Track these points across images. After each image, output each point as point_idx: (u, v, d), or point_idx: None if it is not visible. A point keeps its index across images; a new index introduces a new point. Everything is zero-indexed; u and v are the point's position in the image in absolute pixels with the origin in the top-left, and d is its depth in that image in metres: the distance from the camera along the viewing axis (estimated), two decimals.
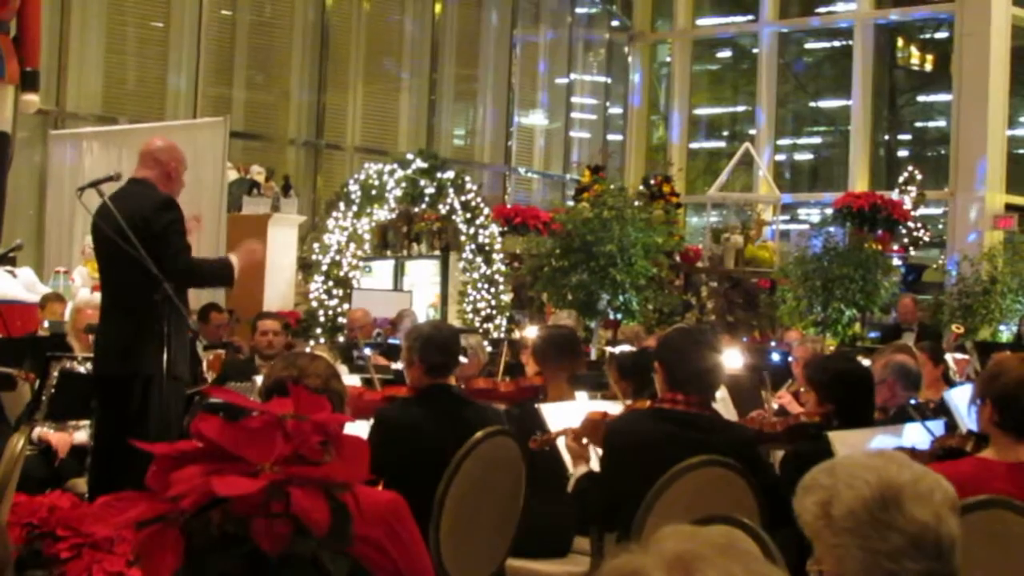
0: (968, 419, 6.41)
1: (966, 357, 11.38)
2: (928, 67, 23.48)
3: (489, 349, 10.24)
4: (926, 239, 19.62)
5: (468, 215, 15.95)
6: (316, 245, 14.93)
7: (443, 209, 15.90)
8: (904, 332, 14.46)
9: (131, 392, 6.54)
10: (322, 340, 13.81)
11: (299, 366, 3.83)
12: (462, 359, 7.01)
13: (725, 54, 25.52)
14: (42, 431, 7.54)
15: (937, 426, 5.64)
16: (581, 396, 6.93)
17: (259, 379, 7.04)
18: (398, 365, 9.16)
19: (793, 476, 5.45)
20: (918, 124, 23.89)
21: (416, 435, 5.68)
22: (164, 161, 7.11)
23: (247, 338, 11.50)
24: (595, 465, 5.53)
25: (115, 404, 6.70)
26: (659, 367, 5.41)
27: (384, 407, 6.04)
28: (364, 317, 13.28)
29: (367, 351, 10.48)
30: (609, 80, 24.43)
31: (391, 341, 11.91)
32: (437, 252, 17.15)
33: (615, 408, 6.01)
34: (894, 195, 19.42)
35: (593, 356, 12.67)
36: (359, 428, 6.54)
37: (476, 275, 16.08)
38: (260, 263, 11.06)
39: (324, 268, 14.59)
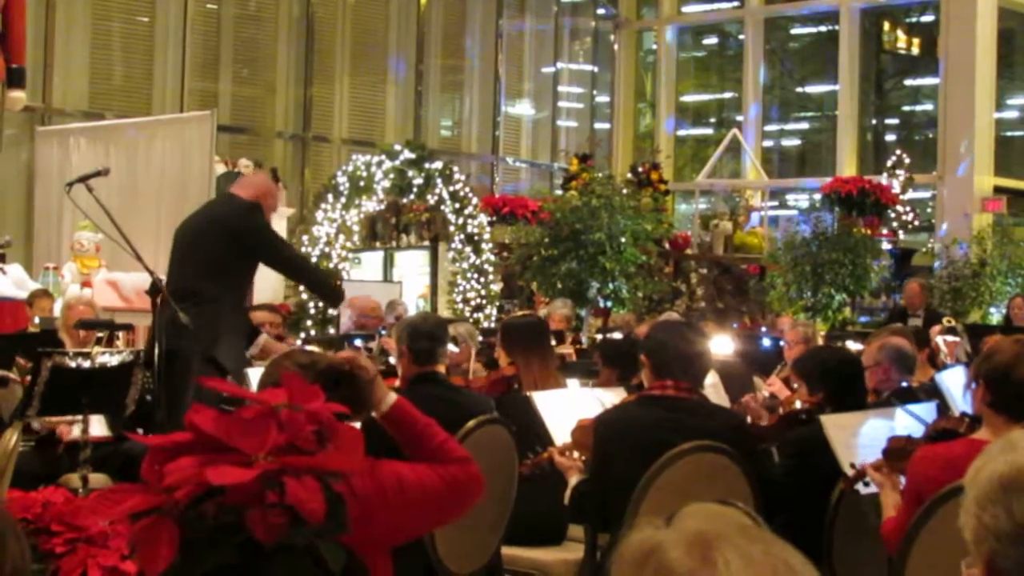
0: (962, 402, 6.42)
1: (956, 339, 11.38)
2: (915, 51, 23.45)
3: (480, 339, 10.21)
4: (915, 223, 19.62)
5: (456, 205, 15.94)
6: (305, 237, 14.92)
7: (431, 200, 15.89)
8: (910, 317, 14.37)
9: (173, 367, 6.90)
10: (312, 332, 13.80)
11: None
12: (452, 348, 7.00)
13: (711, 41, 25.49)
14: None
15: (929, 408, 5.65)
16: (572, 383, 6.92)
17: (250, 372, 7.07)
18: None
19: (791, 462, 5.49)
20: (905, 108, 23.85)
21: None
22: (263, 193, 7.66)
23: None
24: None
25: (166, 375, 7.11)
26: (645, 359, 5.38)
27: None
28: (377, 310, 12.07)
29: (357, 342, 10.43)
30: (596, 68, 24.38)
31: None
32: (426, 243, 17.12)
33: (607, 396, 6.00)
34: (882, 179, 19.42)
35: (584, 344, 12.65)
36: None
37: (465, 265, 16.08)
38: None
39: (314, 260, 14.58)
